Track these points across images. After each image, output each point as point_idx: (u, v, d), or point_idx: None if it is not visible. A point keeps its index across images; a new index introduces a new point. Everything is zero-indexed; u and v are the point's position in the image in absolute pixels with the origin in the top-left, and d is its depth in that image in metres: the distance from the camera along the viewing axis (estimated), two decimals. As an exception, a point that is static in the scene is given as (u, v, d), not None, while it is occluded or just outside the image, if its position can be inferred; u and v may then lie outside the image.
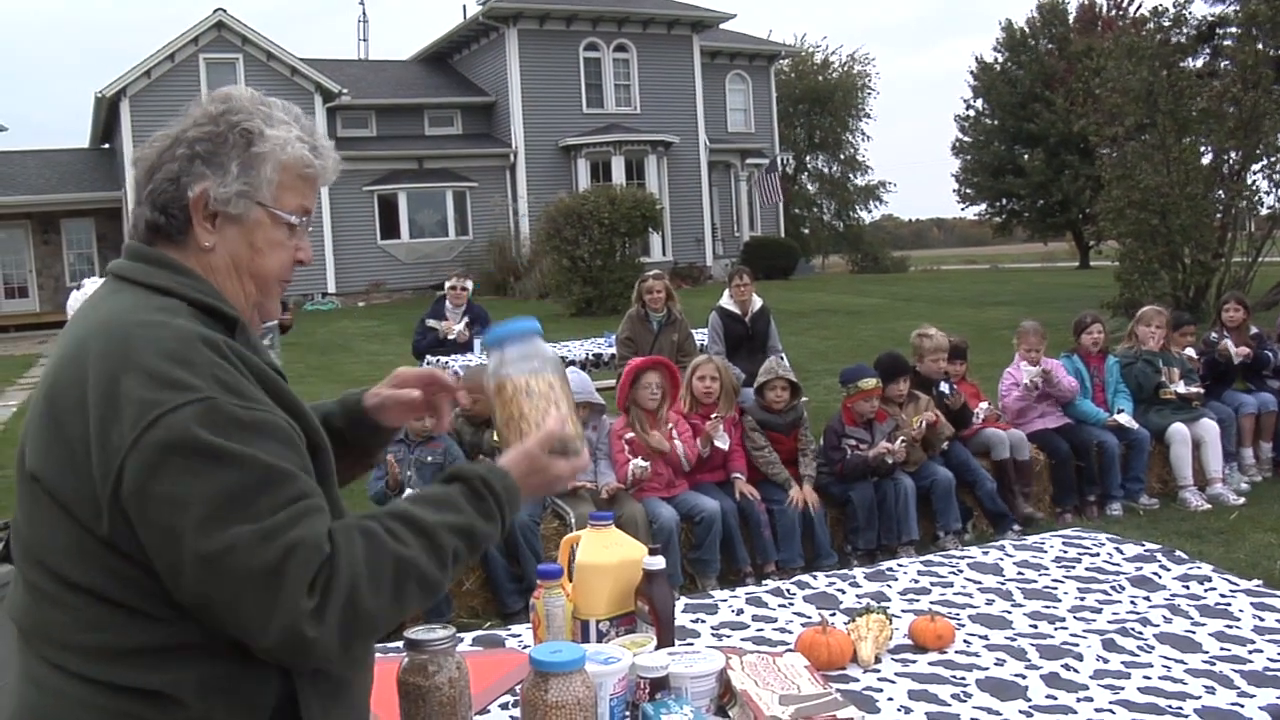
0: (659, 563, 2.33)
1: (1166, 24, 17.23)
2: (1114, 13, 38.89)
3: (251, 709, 1.55)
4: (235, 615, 1.46)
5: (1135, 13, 35.16)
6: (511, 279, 28.50)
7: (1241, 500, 7.21)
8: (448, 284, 10.44)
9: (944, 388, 7.01)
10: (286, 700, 1.58)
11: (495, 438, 6.04)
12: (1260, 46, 15.86)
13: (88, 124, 31.74)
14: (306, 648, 1.46)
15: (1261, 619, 2.63)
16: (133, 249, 1.69)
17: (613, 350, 9.81)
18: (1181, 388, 7.47)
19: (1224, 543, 6.32)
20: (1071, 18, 41.38)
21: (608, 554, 2.37)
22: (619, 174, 30.58)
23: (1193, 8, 18.33)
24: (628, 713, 2.03)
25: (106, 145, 32.10)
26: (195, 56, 28.82)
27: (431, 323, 10.20)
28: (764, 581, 3.13)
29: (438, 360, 9.68)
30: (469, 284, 10.49)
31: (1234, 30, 18.32)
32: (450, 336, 10.05)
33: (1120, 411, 7.37)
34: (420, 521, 1.60)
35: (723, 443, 6.28)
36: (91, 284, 4.26)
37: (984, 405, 7.23)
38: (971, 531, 6.64)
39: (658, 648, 2.21)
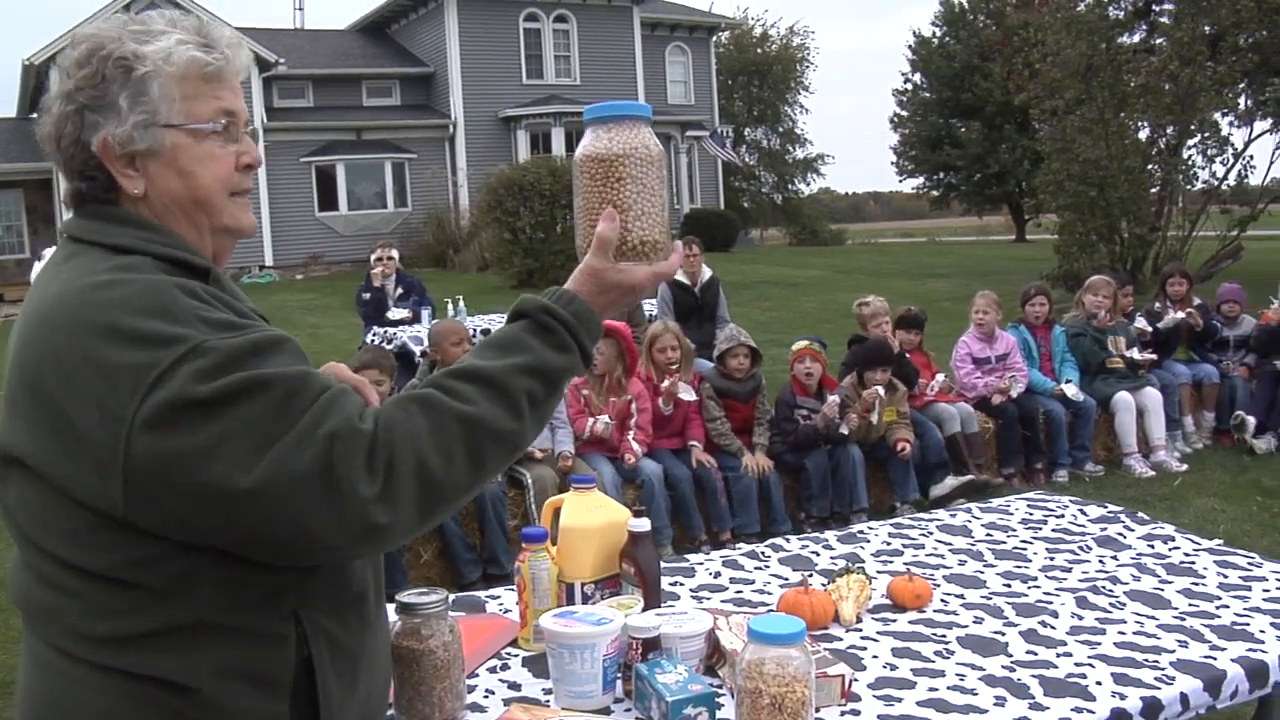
0: (644, 525, 2.33)
1: (1105, -1, 17.46)
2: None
3: (266, 688, 1.48)
4: (306, 532, 1.37)
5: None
6: (451, 251, 28.22)
7: (1184, 467, 7.37)
8: (373, 256, 10.18)
9: None
10: (302, 676, 1.51)
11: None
12: (1195, 24, 16.08)
13: (14, 91, 30.97)
14: (382, 534, 1.40)
15: (1225, 576, 2.70)
16: (88, 208, 1.58)
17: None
18: (1136, 354, 7.60)
19: (1169, 508, 6.46)
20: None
21: (592, 517, 2.36)
22: (559, 145, 30.36)
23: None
24: (620, 674, 2.04)
25: (35, 114, 31.18)
26: (126, 24, 27.97)
27: (393, 314, 9.91)
28: (737, 545, 3.14)
29: (385, 331, 9.60)
30: (394, 253, 10.15)
31: (1169, 8, 18.58)
32: (399, 316, 9.87)
33: (1068, 382, 7.47)
34: (483, 372, 1.50)
35: (688, 395, 6.31)
36: (51, 254, 4.14)
37: (939, 378, 7.29)
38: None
39: (644, 609, 2.21)
